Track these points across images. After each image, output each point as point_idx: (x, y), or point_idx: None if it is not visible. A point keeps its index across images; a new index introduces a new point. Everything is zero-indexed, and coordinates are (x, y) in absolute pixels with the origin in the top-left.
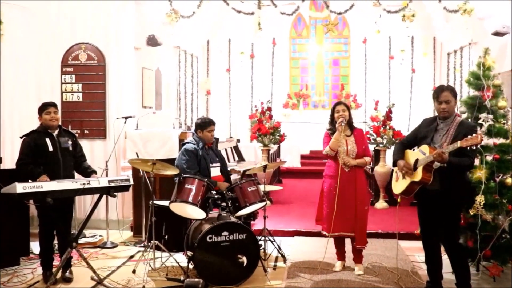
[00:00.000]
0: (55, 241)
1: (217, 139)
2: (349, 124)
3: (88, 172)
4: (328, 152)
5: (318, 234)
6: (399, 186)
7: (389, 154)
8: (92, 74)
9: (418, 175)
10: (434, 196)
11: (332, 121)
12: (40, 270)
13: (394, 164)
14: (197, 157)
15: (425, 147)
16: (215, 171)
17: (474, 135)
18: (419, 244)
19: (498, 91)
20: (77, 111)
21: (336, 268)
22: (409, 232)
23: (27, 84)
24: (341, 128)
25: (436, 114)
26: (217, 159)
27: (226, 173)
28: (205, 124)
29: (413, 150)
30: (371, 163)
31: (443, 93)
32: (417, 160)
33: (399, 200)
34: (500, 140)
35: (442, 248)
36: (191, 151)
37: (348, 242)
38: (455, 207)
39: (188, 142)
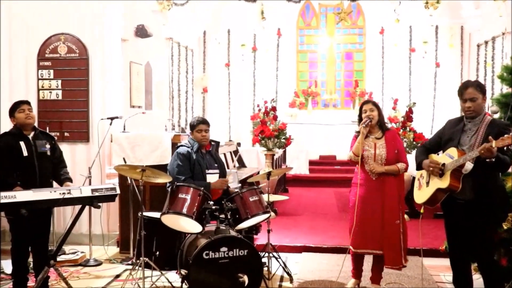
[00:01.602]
0: (30, 259)
1: (217, 143)
2: (380, 124)
3: (61, 179)
4: (351, 157)
5: (329, 250)
6: (422, 194)
7: (409, 159)
8: (73, 69)
9: (445, 182)
10: (464, 206)
11: (359, 123)
12: None
13: (418, 168)
14: (190, 162)
15: (452, 150)
16: (213, 178)
17: (510, 134)
18: (444, 261)
19: None
20: (56, 111)
21: (349, 285)
22: (432, 248)
23: None
24: (364, 130)
25: (463, 114)
26: (215, 165)
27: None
28: (194, 124)
29: (438, 154)
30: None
31: (467, 90)
32: (443, 165)
33: (422, 211)
34: None
35: (472, 266)
36: (183, 155)
37: (367, 259)
38: (491, 218)
39: (181, 145)
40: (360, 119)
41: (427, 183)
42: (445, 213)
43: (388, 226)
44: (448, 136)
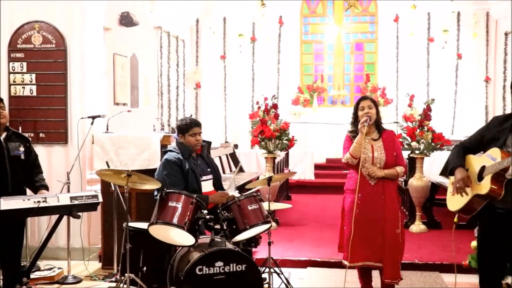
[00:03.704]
0: (0, 276)
1: (208, 143)
2: (377, 125)
3: (35, 186)
4: (348, 160)
5: (338, 265)
6: (456, 201)
7: (427, 162)
8: (49, 62)
9: (485, 187)
10: (505, 216)
11: (355, 121)
12: None
13: (450, 173)
14: (182, 170)
15: (495, 151)
16: (207, 186)
17: None
18: (468, 278)
19: None
20: (29, 108)
21: None
22: (455, 264)
23: None
24: (364, 129)
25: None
26: (208, 169)
27: (220, 187)
28: (186, 127)
29: (478, 155)
30: (405, 175)
31: None
32: (483, 168)
33: (456, 219)
34: None
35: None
36: (174, 163)
37: (376, 274)
38: None
39: (169, 151)
40: (355, 117)
41: (458, 191)
42: (481, 224)
43: (389, 235)
44: (492, 135)
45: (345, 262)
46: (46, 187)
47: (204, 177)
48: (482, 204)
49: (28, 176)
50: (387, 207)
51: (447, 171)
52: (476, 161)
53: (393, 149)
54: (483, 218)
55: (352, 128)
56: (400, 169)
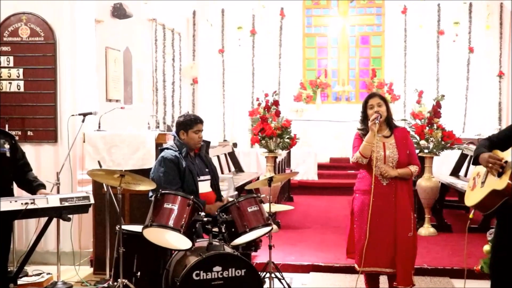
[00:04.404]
0: None
1: (207, 143)
2: (388, 122)
3: (33, 186)
4: (358, 159)
5: (342, 270)
6: (474, 196)
7: (437, 162)
8: (38, 56)
9: (503, 182)
10: None
11: (365, 119)
12: None
13: (474, 162)
14: (179, 169)
15: None
16: (204, 186)
17: None
18: (479, 284)
19: None
20: (16, 105)
21: None
22: (465, 268)
23: None
24: (375, 127)
25: None
26: (206, 169)
27: (218, 189)
28: (190, 123)
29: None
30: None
31: None
32: (506, 163)
33: (471, 216)
34: None
35: None
36: (171, 160)
37: (383, 280)
38: None
39: (166, 148)
40: (364, 115)
41: (483, 183)
42: (499, 224)
43: (401, 239)
44: None
45: (357, 267)
46: (44, 186)
47: (201, 178)
48: (499, 201)
49: (18, 175)
50: (399, 209)
51: (456, 172)
52: (500, 156)
53: (406, 147)
54: (499, 217)
55: (362, 126)
56: (414, 168)
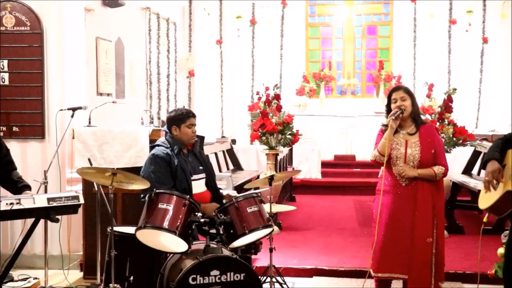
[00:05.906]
0: None
1: (201, 138)
2: (414, 117)
3: (18, 187)
4: (376, 157)
5: (347, 274)
6: (487, 198)
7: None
8: (24, 46)
9: None
10: None
11: (388, 114)
12: None
13: (484, 167)
14: (170, 167)
15: None
16: (198, 186)
17: None
18: None
19: None
20: (1, 99)
21: None
22: (478, 273)
23: None
24: (394, 123)
25: None
26: (201, 167)
27: (214, 188)
28: (182, 117)
29: None
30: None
31: None
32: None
33: (485, 219)
34: None
35: None
36: (162, 158)
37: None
38: None
39: (157, 145)
40: (388, 110)
41: (488, 185)
42: None
43: (418, 244)
44: None
45: (372, 272)
46: (30, 187)
47: (195, 176)
48: None
49: (2, 174)
50: (418, 212)
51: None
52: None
53: (432, 145)
54: None
55: (386, 122)
56: (439, 169)
